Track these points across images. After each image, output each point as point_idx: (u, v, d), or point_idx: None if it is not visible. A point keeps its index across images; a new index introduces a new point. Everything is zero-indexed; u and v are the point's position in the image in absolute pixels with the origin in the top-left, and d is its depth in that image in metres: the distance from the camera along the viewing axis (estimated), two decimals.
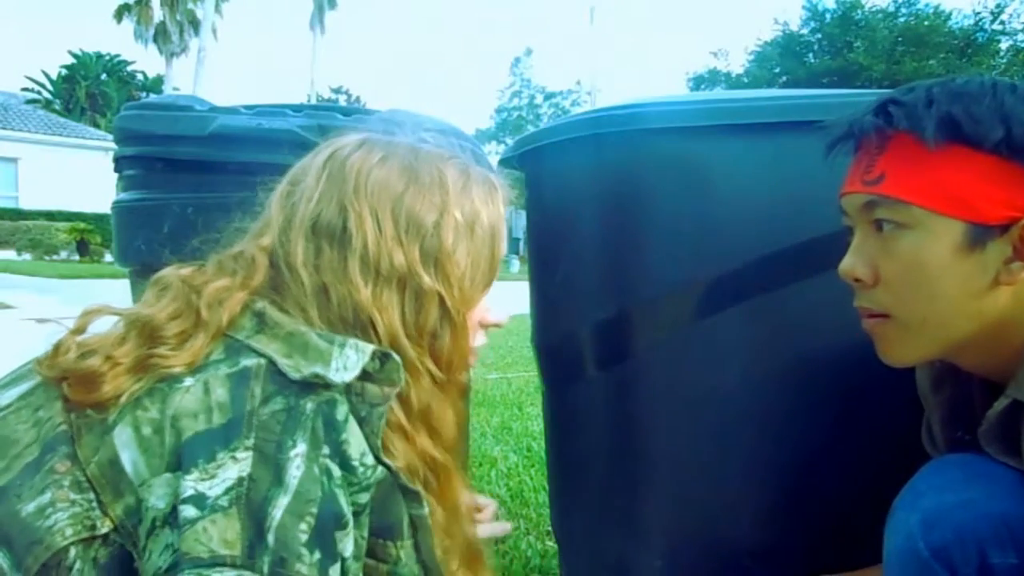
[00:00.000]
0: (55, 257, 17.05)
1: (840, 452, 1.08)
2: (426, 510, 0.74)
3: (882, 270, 0.81)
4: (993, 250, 0.76)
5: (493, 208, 0.80)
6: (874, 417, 1.07)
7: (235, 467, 0.58)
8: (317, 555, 0.59)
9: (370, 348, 0.68)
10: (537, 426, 2.97)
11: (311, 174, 0.75)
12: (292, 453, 0.61)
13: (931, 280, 0.78)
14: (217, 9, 25.74)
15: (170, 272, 0.74)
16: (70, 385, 0.64)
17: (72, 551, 0.59)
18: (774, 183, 1.04)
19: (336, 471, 0.63)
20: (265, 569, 0.56)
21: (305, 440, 0.62)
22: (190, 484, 0.57)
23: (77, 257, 17.27)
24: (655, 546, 1.11)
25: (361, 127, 0.82)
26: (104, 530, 0.60)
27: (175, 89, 26.84)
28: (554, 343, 1.24)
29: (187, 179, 1.24)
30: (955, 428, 0.92)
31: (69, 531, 0.60)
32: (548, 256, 1.22)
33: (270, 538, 0.57)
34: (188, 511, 0.57)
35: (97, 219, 17.88)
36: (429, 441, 0.75)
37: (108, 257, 15.79)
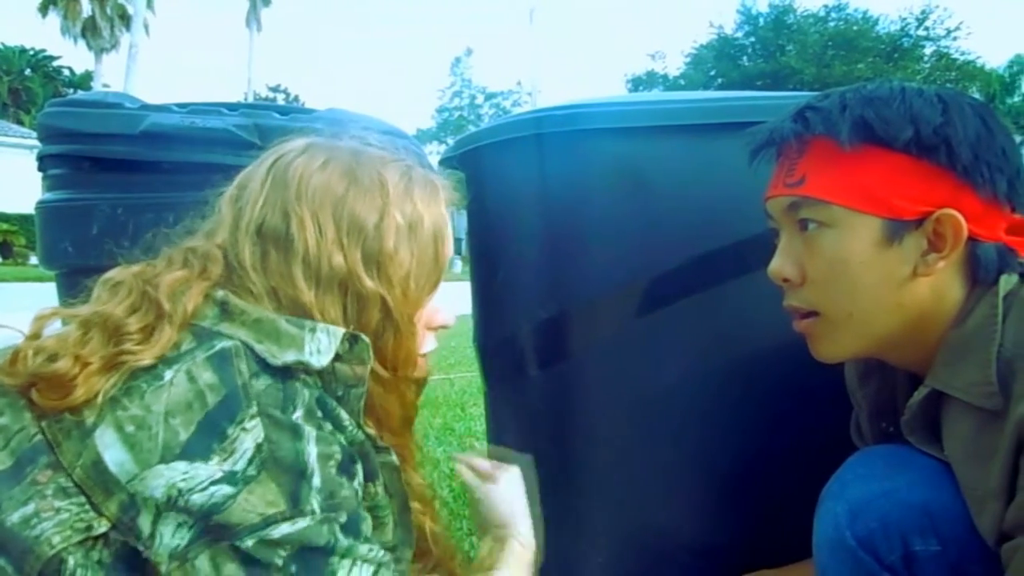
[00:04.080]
0: None
1: (777, 448, 1.10)
2: (393, 456, 0.79)
3: (808, 269, 0.84)
4: (910, 243, 0.80)
5: (435, 209, 0.81)
6: (809, 413, 1.09)
7: (249, 436, 0.62)
8: (345, 479, 0.67)
9: (340, 331, 0.71)
10: (480, 426, 2.97)
11: (256, 179, 0.77)
12: (296, 416, 0.65)
13: (854, 275, 0.81)
14: (149, 5, 25.07)
15: (119, 270, 0.74)
16: (40, 391, 0.64)
17: (70, 559, 0.60)
18: (711, 182, 1.07)
19: (330, 428, 0.69)
20: (316, 508, 0.62)
21: (302, 408, 0.66)
22: (215, 467, 0.60)
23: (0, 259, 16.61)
24: (596, 543, 1.12)
25: (309, 131, 0.83)
26: (102, 529, 0.61)
27: (105, 86, 26.05)
28: (496, 343, 1.24)
29: (117, 179, 1.20)
30: (881, 420, 0.96)
31: (56, 539, 0.60)
32: (489, 256, 1.22)
33: (316, 481, 0.63)
34: (224, 489, 0.60)
35: (21, 220, 17.22)
36: (370, 425, 0.77)
37: (33, 259, 15.23)
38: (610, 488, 1.12)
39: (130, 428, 0.61)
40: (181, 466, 0.60)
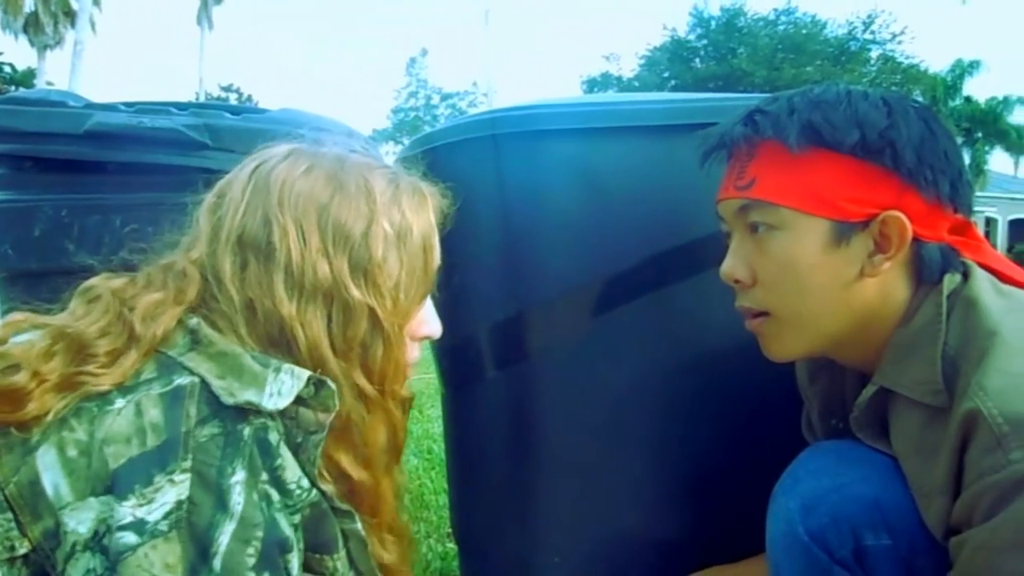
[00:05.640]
0: None
1: (733, 444, 1.12)
2: (358, 524, 0.75)
3: (759, 270, 0.86)
4: (857, 245, 0.81)
5: (424, 218, 0.79)
6: (764, 409, 1.11)
7: (173, 490, 0.59)
8: (265, 574, 0.61)
9: (305, 374, 0.68)
10: (438, 428, 2.96)
11: (237, 186, 0.74)
12: (233, 480, 0.61)
13: (803, 276, 0.83)
14: (95, 1, 24.47)
15: (99, 283, 0.71)
16: None
17: (1, 571, 0.59)
18: (665, 182, 1.07)
19: (275, 496, 0.64)
20: None
21: (244, 467, 0.62)
22: (128, 510, 0.57)
23: None
24: (553, 544, 1.13)
25: (292, 137, 0.80)
26: (23, 551, 0.59)
27: (48, 84, 25.31)
28: (453, 345, 1.23)
29: (60, 179, 1.16)
30: (831, 417, 0.98)
31: None
32: (446, 257, 1.22)
33: (216, 563, 0.58)
34: (128, 538, 0.56)
35: None
36: (348, 458, 0.73)
37: None
38: (566, 488, 1.12)
39: (72, 452, 0.60)
40: (108, 499, 0.58)
